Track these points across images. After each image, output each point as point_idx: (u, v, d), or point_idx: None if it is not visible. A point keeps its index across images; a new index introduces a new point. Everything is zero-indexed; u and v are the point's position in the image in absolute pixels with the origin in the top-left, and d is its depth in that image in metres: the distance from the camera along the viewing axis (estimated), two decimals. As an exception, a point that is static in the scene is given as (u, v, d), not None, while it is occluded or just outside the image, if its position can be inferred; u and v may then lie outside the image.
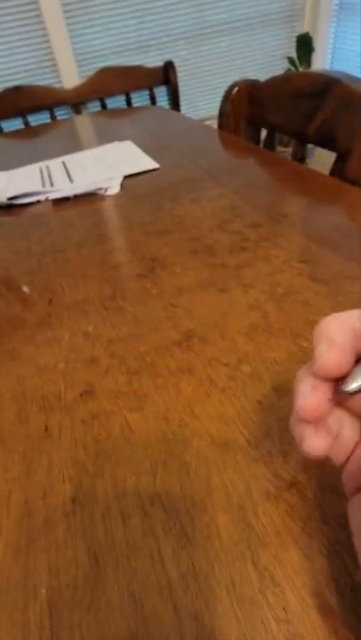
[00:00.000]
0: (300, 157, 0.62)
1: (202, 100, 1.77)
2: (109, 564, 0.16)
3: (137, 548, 0.16)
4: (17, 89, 1.28)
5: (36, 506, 0.18)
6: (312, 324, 0.26)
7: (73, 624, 0.14)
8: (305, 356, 0.24)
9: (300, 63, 1.67)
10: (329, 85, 0.52)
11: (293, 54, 1.67)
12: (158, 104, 1.49)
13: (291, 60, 1.66)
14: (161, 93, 1.57)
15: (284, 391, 0.22)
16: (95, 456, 0.20)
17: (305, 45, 1.61)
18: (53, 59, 1.45)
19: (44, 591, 0.15)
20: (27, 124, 1.33)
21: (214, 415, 0.21)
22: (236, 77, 0.73)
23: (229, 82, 0.72)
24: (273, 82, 0.63)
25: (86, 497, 0.18)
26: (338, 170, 0.53)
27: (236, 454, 0.19)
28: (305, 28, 1.69)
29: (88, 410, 0.23)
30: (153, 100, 1.43)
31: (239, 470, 0.18)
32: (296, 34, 1.67)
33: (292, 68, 1.67)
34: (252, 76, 0.75)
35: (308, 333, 0.25)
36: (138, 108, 1.11)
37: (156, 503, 0.18)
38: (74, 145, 0.83)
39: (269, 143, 0.69)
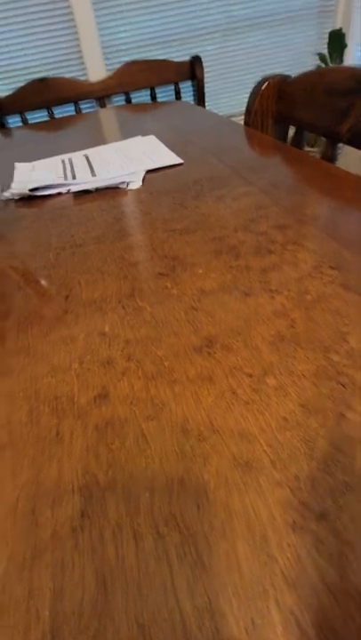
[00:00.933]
0: (330, 157, 0.59)
1: (226, 97, 1.74)
2: (118, 591, 0.15)
3: (149, 574, 0.15)
4: (43, 81, 1.29)
5: (43, 517, 0.17)
6: (344, 335, 0.24)
7: (77, 654, 0.13)
8: (336, 371, 0.22)
9: (332, 60, 1.61)
10: (367, 81, 0.49)
11: (324, 51, 1.62)
12: (183, 100, 1.47)
13: (322, 57, 1.61)
14: (186, 89, 1.55)
15: (313, 410, 0.20)
16: (107, 466, 0.19)
17: (337, 42, 1.56)
18: (80, 51, 1.45)
19: (47, 613, 0.14)
20: (51, 116, 1.33)
21: (236, 430, 0.20)
22: (263, 74, 0.71)
23: (255, 79, 0.70)
24: (306, 77, 0.61)
25: (96, 511, 0.17)
26: (371, 171, 0.50)
27: (259, 476, 0.17)
28: (337, 24, 1.64)
29: (102, 415, 0.22)
30: (178, 95, 1.41)
31: (262, 495, 0.17)
32: (327, 30, 1.61)
33: (323, 65, 1.62)
34: (281, 72, 0.72)
35: (340, 346, 0.23)
36: (162, 103, 1.09)
37: (171, 524, 0.16)
38: (97, 138, 0.82)
39: (297, 142, 0.66)
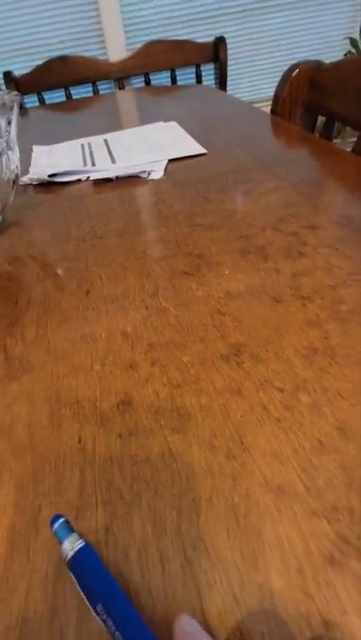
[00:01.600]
0: (362, 152, 0.56)
1: (247, 82, 1.67)
2: (145, 614, 0.14)
3: (177, 601, 0.14)
4: (62, 59, 1.25)
5: (66, 530, 0.17)
6: (383, 352, 0.22)
7: None
8: (374, 390, 0.21)
9: (363, 45, 1.54)
10: None
11: (356, 35, 1.54)
12: (204, 83, 1.42)
13: (353, 42, 1.54)
14: (207, 72, 1.49)
15: (351, 434, 0.19)
16: (132, 480, 0.18)
17: (370, 26, 1.48)
18: (101, 29, 1.40)
19: (72, 634, 0.14)
20: (69, 96, 1.30)
21: (268, 450, 0.19)
22: (288, 59, 0.67)
23: (280, 64, 0.66)
24: (341, 65, 0.57)
25: (121, 528, 0.17)
26: None
27: (293, 503, 0.16)
28: (372, 6, 1.55)
29: (125, 423, 0.21)
30: (198, 78, 1.36)
31: (297, 524, 0.16)
32: (360, 12, 1.53)
33: (354, 51, 1.54)
34: (306, 57, 0.68)
35: (378, 363, 0.22)
36: (184, 86, 1.06)
37: (200, 548, 0.16)
38: (116, 121, 0.80)
39: (327, 133, 0.63)
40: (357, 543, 0.15)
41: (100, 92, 1.34)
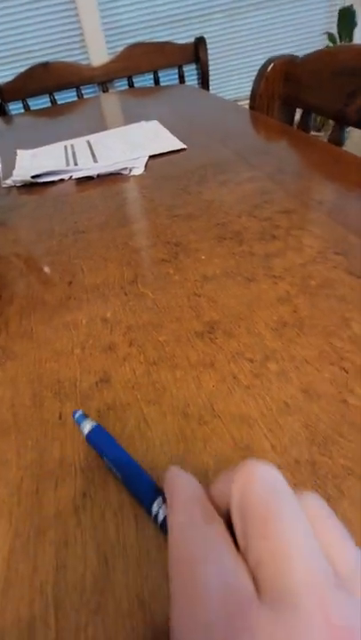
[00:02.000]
0: (338, 141, 0.58)
1: (231, 81, 1.69)
2: (119, 568, 0.15)
3: (150, 560, 0.15)
4: (45, 66, 1.27)
5: (47, 497, 0.18)
6: (348, 321, 0.24)
7: (79, 626, 0.14)
8: (338, 356, 0.22)
9: (341, 40, 1.56)
10: (377, 60, 0.47)
11: (333, 30, 1.57)
12: (187, 83, 1.43)
13: (330, 37, 1.56)
14: (190, 72, 1.51)
15: (315, 394, 0.20)
16: (109, 449, 0.19)
17: (347, 20, 1.51)
18: (82, 34, 1.42)
19: (50, 589, 0.15)
20: (53, 102, 1.31)
21: (237, 414, 0.20)
22: (269, 56, 0.69)
23: (261, 61, 0.68)
24: (314, 57, 0.59)
25: (98, 492, 0.17)
26: (380, 155, 0.49)
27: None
28: (347, 2, 1.58)
29: (103, 399, 0.22)
30: (182, 78, 1.38)
31: (262, 477, 0.17)
32: (336, 8, 1.56)
33: (332, 45, 1.56)
34: (285, 54, 0.70)
35: (344, 332, 0.23)
36: (166, 87, 1.07)
37: (172, 505, 0.16)
38: (100, 124, 0.81)
39: (304, 125, 0.65)
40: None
41: (85, 97, 1.35)
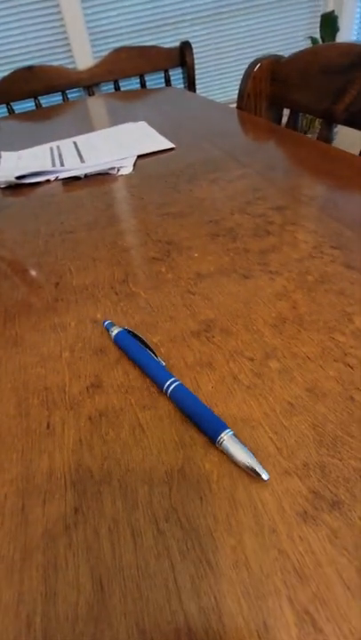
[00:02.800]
0: (326, 139, 0.57)
1: (218, 84, 1.70)
2: (116, 592, 0.13)
3: (149, 574, 0.14)
4: (30, 69, 1.25)
5: (34, 514, 0.16)
6: (350, 316, 0.23)
7: (72, 664, 0.12)
8: (342, 353, 0.21)
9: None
10: (364, 57, 0.47)
11: (316, 35, 1.59)
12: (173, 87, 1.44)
13: (314, 41, 1.58)
14: (176, 76, 1.52)
15: (320, 393, 0.19)
16: (102, 459, 0.18)
17: (330, 25, 1.53)
18: (67, 38, 1.41)
19: (38, 620, 0.13)
20: (38, 105, 1.30)
21: (238, 417, 0.18)
22: (254, 58, 0.69)
23: (247, 65, 0.68)
24: (299, 56, 0.59)
25: (91, 507, 0.16)
26: (370, 151, 0.49)
27: (265, 464, 0.16)
28: (329, 7, 1.61)
29: (95, 405, 0.20)
30: (168, 82, 1.38)
31: (269, 484, 0.16)
32: (320, 13, 1.58)
33: (315, 50, 1.59)
34: (275, 52, 0.70)
35: (345, 327, 0.22)
36: (153, 90, 1.07)
37: (172, 519, 0.15)
38: (86, 126, 0.80)
39: (292, 124, 0.64)
40: (330, 496, 0.15)
41: (71, 100, 1.34)
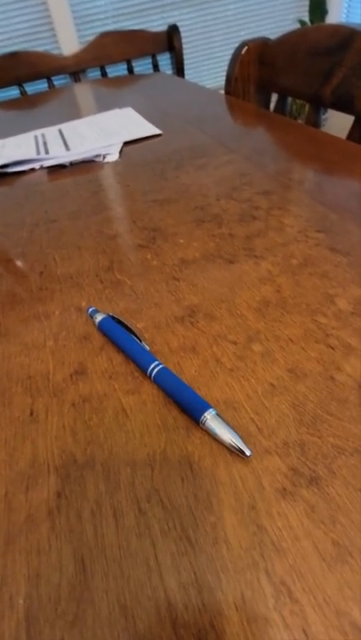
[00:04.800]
0: (314, 123, 0.57)
1: (207, 69, 1.67)
2: (98, 572, 0.14)
3: (131, 552, 0.14)
4: (13, 55, 1.21)
5: (17, 500, 0.16)
6: (332, 298, 0.23)
7: (54, 641, 0.12)
8: (324, 334, 0.21)
9: (314, 28, 1.56)
10: (350, 38, 0.47)
11: (306, 17, 1.56)
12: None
13: (303, 24, 1.56)
14: (164, 62, 1.48)
15: (301, 374, 0.19)
16: (85, 444, 0.18)
17: (318, 8, 1.51)
18: (51, 22, 1.37)
19: (21, 601, 0.13)
20: (23, 92, 1.26)
21: (221, 399, 0.18)
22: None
23: (233, 49, 0.66)
24: (287, 38, 0.58)
25: (74, 491, 0.16)
26: (357, 134, 0.48)
27: (246, 444, 0.16)
28: (320, -11, 1.57)
29: (79, 392, 0.20)
30: (156, 67, 1.35)
31: (250, 463, 0.16)
32: (309, -5, 1.55)
33: (305, 34, 1.56)
34: (263, 35, 0.68)
35: (327, 309, 0.22)
36: (140, 75, 1.04)
37: (154, 500, 0.15)
38: (72, 114, 0.78)
39: (280, 109, 0.64)
40: (308, 472, 0.15)
41: (57, 87, 1.31)
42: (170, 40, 1.33)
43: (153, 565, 0.14)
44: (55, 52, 1.38)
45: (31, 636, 0.12)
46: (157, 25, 1.46)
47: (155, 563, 0.14)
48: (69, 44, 1.40)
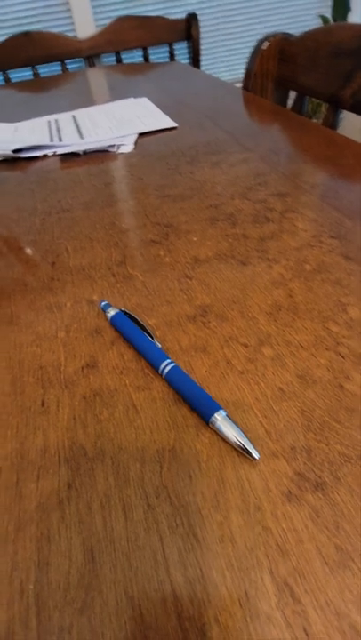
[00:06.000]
0: (331, 125, 0.56)
1: (224, 61, 1.64)
2: (107, 562, 0.14)
3: (139, 546, 0.14)
4: (27, 35, 1.19)
5: (28, 489, 0.17)
6: (344, 306, 0.23)
7: (63, 627, 0.13)
8: (334, 342, 0.21)
9: (335, 24, 1.53)
10: (375, 40, 0.46)
11: (328, 13, 1.53)
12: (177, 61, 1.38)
13: (325, 20, 1.53)
14: (180, 50, 1.46)
15: (310, 380, 0.19)
16: (95, 437, 0.18)
17: (341, 5, 1.47)
18: (67, 3, 1.34)
19: (31, 587, 0.14)
20: (36, 74, 1.24)
21: (230, 400, 0.19)
22: (261, 37, 0.66)
23: (254, 43, 0.65)
24: (310, 35, 0.57)
25: (84, 483, 0.16)
26: (375, 140, 0.48)
27: (254, 447, 0.17)
28: (343, -16, 1.54)
29: (90, 385, 0.21)
30: (172, 56, 1.33)
31: (257, 465, 0.16)
32: (333, -10, 1.52)
33: (326, 30, 1.53)
34: (284, 30, 0.67)
35: (339, 317, 0.22)
36: (156, 64, 1.03)
37: (162, 495, 0.16)
38: (86, 99, 0.77)
39: (298, 108, 0.63)
40: (314, 478, 0.15)
41: (70, 71, 1.29)
42: (188, 28, 1.30)
43: (160, 559, 0.14)
44: (70, 34, 1.35)
45: (41, 621, 0.13)
46: (175, 12, 1.43)
47: (162, 557, 0.14)
48: (85, 26, 1.37)
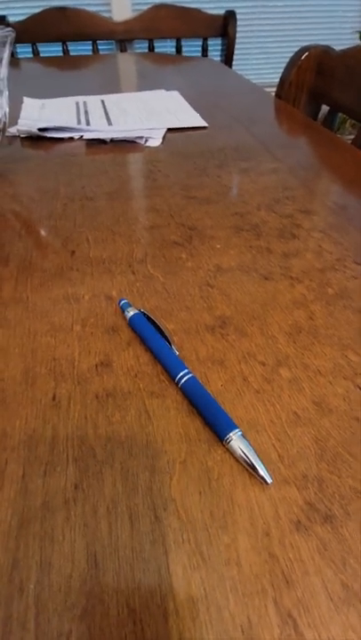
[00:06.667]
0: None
1: (254, 64, 1.63)
2: (110, 570, 0.14)
3: (143, 558, 0.14)
4: (61, 10, 1.17)
5: (34, 484, 0.16)
6: (364, 336, 0.23)
7: (62, 633, 0.13)
8: (353, 372, 0.21)
9: (371, 42, 1.52)
10: None
11: (366, 30, 1.52)
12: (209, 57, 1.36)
13: (362, 37, 1.52)
14: (213, 47, 1.44)
15: (326, 408, 0.19)
16: (106, 440, 0.18)
17: (381, 22, 1.46)
18: (106, -18, 1.31)
19: (32, 587, 0.14)
20: (66, 51, 1.22)
21: (245, 418, 0.19)
22: (295, 47, 0.65)
23: (286, 49, 0.64)
24: (351, 52, 0.56)
25: (91, 485, 0.16)
26: None
27: (268, 471, 0.17)
28: (385, 3, 1.53)
29: (103, 385, 0.20)
30: (205, 52, 1.31)
31: (267, 490, 0.16)
32: (373, 7, 1.51)
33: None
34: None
35: (359, 347, 0.22)
36: (189, 58, 1.01)
37: (170, 508, 0.15)
38: (115, 84, 0.76)
39: (329, 123, 0.63)
40: (324, 510, 0.15)
41: (101, 52, 1.26)
42: (224, 25, 1.28)
43: (164, 574, 0.14)
44: (105, 14, 1.33)
45: (39, 623, 0.13)
46: (212, 8, 1.41)
47: (166, 572, 0.14)
48: (122, 9, 1.35)
